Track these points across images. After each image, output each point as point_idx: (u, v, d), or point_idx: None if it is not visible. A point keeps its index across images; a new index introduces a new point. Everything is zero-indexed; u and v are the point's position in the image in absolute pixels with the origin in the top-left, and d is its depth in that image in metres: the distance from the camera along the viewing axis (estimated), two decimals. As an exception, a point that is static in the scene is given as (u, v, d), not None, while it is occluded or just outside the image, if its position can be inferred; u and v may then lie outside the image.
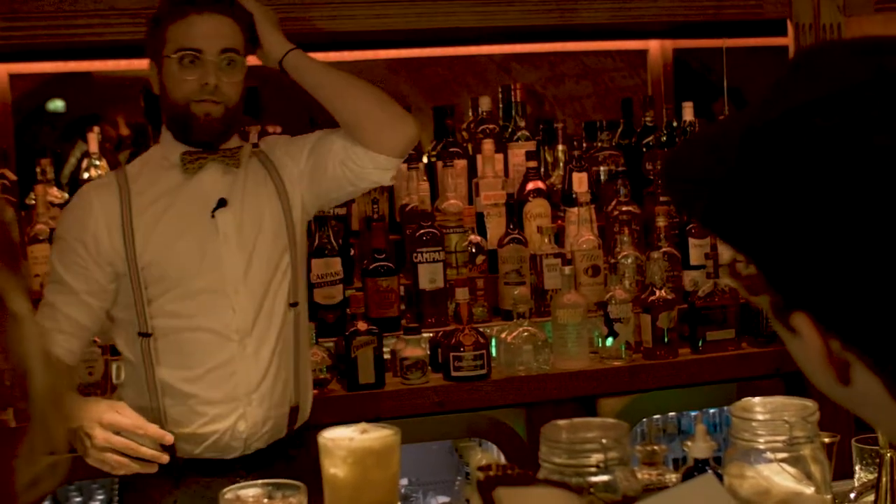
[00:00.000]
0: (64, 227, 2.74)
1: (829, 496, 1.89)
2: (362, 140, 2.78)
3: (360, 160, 2.78)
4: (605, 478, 1.78)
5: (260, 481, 1.83)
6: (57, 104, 9.86)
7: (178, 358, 2.67)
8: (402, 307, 3.64)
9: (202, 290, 2.67)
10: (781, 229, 0.98)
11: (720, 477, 1.91)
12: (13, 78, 4.26)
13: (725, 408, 3.70)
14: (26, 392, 0.89)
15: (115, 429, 2.48)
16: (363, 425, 1.89)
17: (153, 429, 2.52)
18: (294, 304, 2.79)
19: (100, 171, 3.78)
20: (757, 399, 1.98)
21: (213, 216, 2.70)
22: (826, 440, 2.00)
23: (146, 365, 2.67)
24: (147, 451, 2.50)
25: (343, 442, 1.84)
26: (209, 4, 2.67)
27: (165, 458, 2.52)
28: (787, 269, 1.00)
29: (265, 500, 1.77)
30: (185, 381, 2.67)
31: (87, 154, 3.93)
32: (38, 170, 3.74)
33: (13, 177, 3.83)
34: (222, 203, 2.72)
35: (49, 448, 0.93)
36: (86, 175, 3.79)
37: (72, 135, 6.39)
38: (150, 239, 2.67)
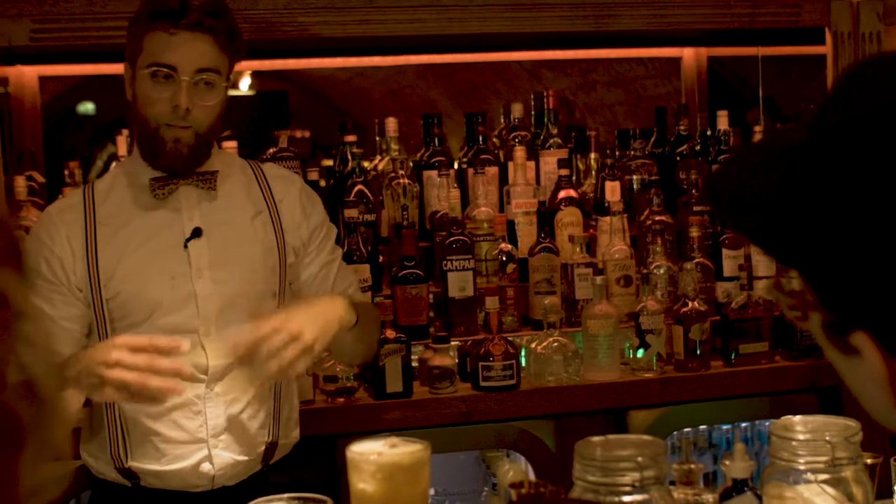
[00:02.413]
0: (30, 254, 2.50)
1: (870, 519, 1.84)
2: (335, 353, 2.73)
3: None
4: (640, 497, 1.74)
5: (286, 495, 1.78)
6: (87, 107, 9.93)
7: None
8: (431, 315, 3.60)
9: (171, 327, 2.46)
10: (840, 245, 0.94)
11: (759, 497, 1.86)
12: (43, 80, 4.25)
13: (758, 422, 3.65)
14: (29, 394, 0.87)
15: (129, 347, 2.22)
16: (392, 439, 1.85)
17: (163, 341, 2.27)
18: None
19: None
20: (797, 418, 1.93)
21: (185, 247, 2.52)
22: (868, 461, 1.94)
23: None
24: (165, 365, 2.23)
25: (371, 456, 1.79)
26: (188, 21, 2.43)
27: (188, 370, 2.30)
28: (846, 287, 0.95)
29: (291, 516, 1.73)
30: (147, 416, 2.50)
31: (115, 157, 3.91)
32: (66, 172, 3.73)
33: (41, 179, 3.83)
34: (196, 233, 2.53)
35: (53, 454, 0.91)
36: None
37: (101, 137, 6.40)
38: (115, 269, 2.49)
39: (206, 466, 2.53)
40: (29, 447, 0.88)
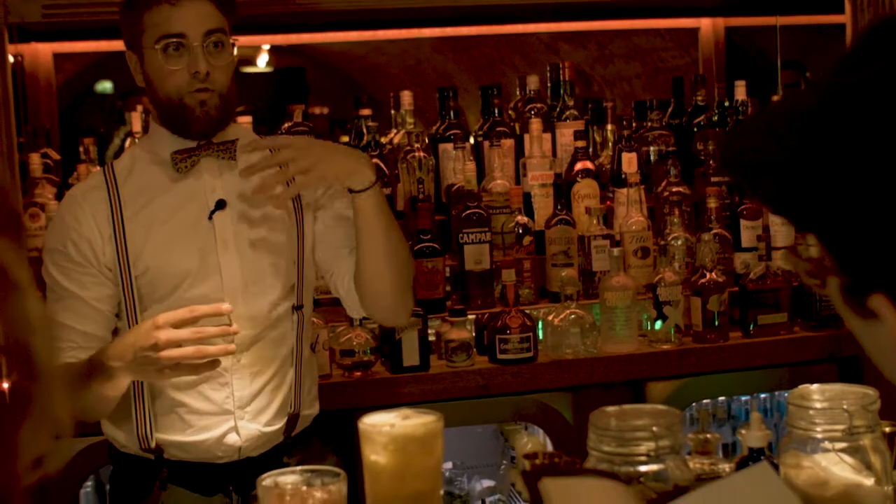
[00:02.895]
0: (56, 236, 2.54)
1: (889, 487, 1.82)
2: (364, 304, 2.62)
3: (347, 298, 2.65)
4: (655, 467, 1.73)
5: (299, 468, 1.77)
6: (105, 85, 9.93)
7: None
8: (448, 288, 3.59)
9: (198, 299, 2.45)
10: (857, 206, 0.92)
11: (776, 467, 1.85)
12: (59, 57, 4.25)
13: (777, 392, 3.63)
14: (27, 369, 0.86)
15: (172, 324, 2.26)
16: (405, 411, 1.84)
17: (205, 308, 2.33)
18: (299, 307, 2.62)
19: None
20: (814, 386, 1.92)
21: (210, 219, 2.53)
22: (887, 429, 1.92)
23: None
24: (213, 330, 2.32)
25: (384, 428, 1.79)
26: None
27: (236, 328, 2.35)
28: (864, 249, 0.94)
29: (304, 488, 1.71)
30: (174, 388, 2.51)
31: (130, 134, 3.91)
32: (81, 149, 3.72)
33: (56, 156, 3.83)
34: (220, 205, 2.53)
35: (53, 426, 0.90)
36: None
37: (119, 115, 6.40)
38: (144, 245, 2.50)
39: (232, 437, 2.54)
40: (28, 421, 0.87)
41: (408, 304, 2.69)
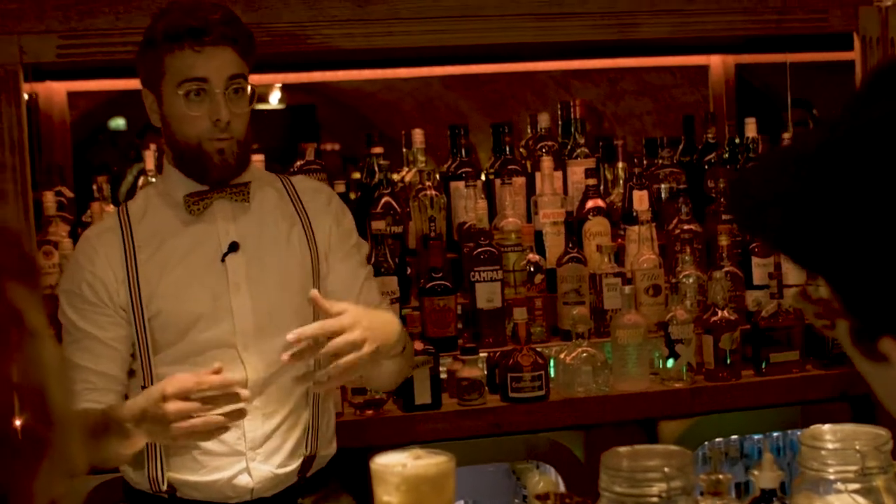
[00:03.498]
0: (71, 278, 2.53)
1: (902, 529, 1.82)
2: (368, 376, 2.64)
3: None
4: (667, 508, 1.72)
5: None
6: (118, 122, 9.98)
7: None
8: (460, 326, 3.59)
9: (210, 343, 2.47)
10: (865, 248, 0.92)
11: (788, 508, 1.84)
12: (72, 96, 4.28)
13: (789, 431, 3.62)
14: (43, 413, 0.86)
15: (180, 396, 2.27)
16: (416, 451, 1.84)
17: (213, 380, 2.30)
18: None
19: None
20: (826, 426, 1.91)
21: (223, 261, 2.52)
22: (900, 470, 1.92)
23: None
24: (220, 413, 2.30)
25: (396, 468, 1.79)
26: (212, 37, 2.43)
27: (246, 394, 2.33)
28: (872, 292, 0.93)
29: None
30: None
31: (143, 172, 3.92)
32: (94, 187, 3.74)
33: (70, 194, 3.85)
34: (233, 247, 2.53)
35: (68, 469, 0.90)
36: (142, 193, 3.76)
37: (132, 153, 6.44)
38: (156, 288, 2.49)
39: (244, 479, 2.52)
40: (44, 464, 0.88)
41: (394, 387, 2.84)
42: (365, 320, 2.37)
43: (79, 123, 8.59)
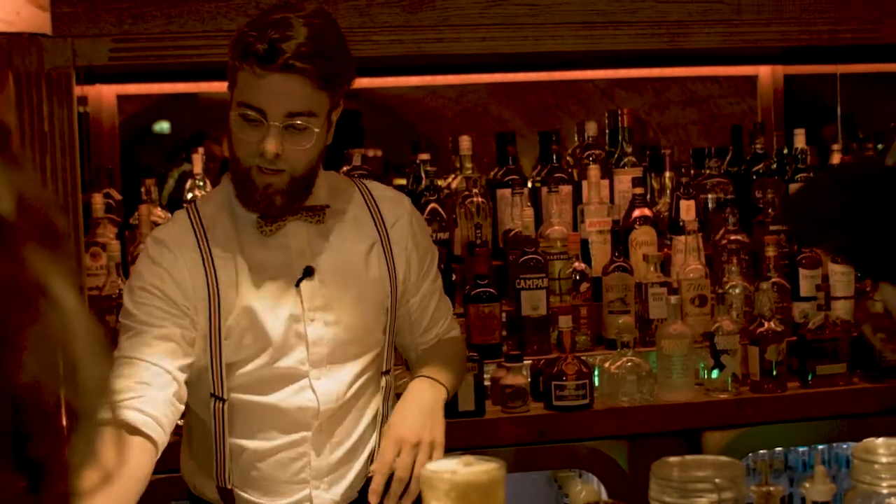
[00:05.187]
0: (140, 276, 2.37)
1: (955, 544, 1.80)
2: None
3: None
4: (718, 519, 1.71)
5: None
6: (163, 125, 10.03)
7: (249, 429, 2.44)
8: (504, 334, 3.59)
9: (281, 371, 2.40)
10: None
11: (840, 521, 1.83)
12: (121, 99, 4.31)
13: (835, 444, 3.59)
14: (73, 384, 0.83)
15: None
16: (467, 457, 1.83)
17: None
18: (386, 372, 2.55)
19: (204, 192, 3.76)
20: (880, 440, 1.90)
21: (297, 286, 2.40)
22: (953, 485, 1.90)
23: (217, 427, 2.41)
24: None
25: (445, 475, 1.78)
26: (276, 65, 2.22)
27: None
28: None
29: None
30: (252, 454, 2.45)
31: (188, 174, 3.94)
32: (142, 189, 3.76)
33: (118, 196, 3.88)
34: (308, 272, 2.40)
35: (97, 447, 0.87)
36: (189, 196, 3.78)
37: (175, 156, 6.48)
38: (233, 305, 2.37)
39: (305, 501, 2.48)
40: (76, 437, 0.85)
41: None
42: (418, 421, 2.39)
43: (125, 126, 8.65)
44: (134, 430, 2.18)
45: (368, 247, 2.49)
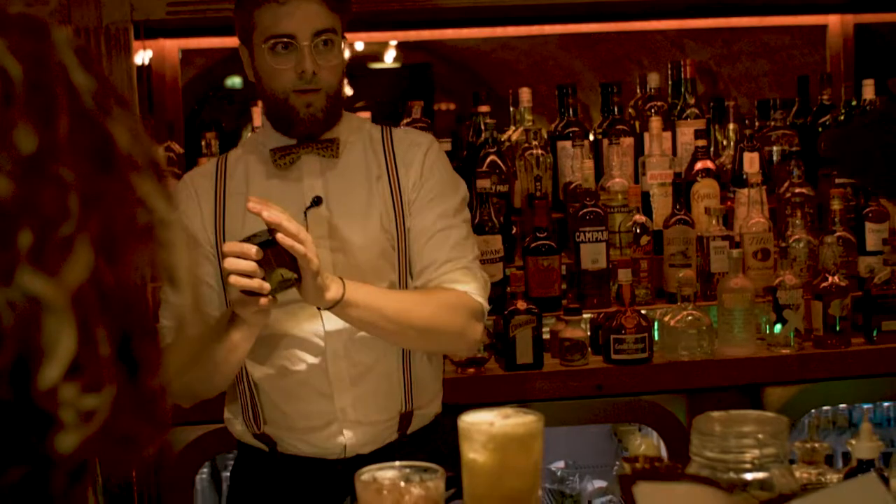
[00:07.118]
0: None
1: None
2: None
3: None
4: (760, 475, 1.69)
5: (398, 463, 1.78)
6: (234, 80, 10.10)
7: (263, 359, 2.51)
8: (564, 287, 3.57)
9: (287, 295, 2.38)
10: None
11: (885, 480, 1.79)
12: (187, 53, 4.34)
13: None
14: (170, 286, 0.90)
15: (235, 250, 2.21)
16: (506, 410, 1.83)
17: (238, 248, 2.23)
18: None
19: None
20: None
21: (304, 215, 2.48)
22: None
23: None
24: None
25: (483, 426, 1.78)
26: None
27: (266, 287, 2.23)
28: None
29: (402, 483, 1.72)
30: (276, 389, 2.51)
31: (254, 128, 3.96)
32: (203, 143, 3.78)
33: (179, 149, 3.90)
34: (316, 202, 2.50)
35: (190, 360, 0.93)
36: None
37: (247, 110, 6.51)
38: (239, 235, 2.36)
39: (337, 436, 2.52)
40: (169, 350, 0.91)
41: (461, 343, 2.61)
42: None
43: (195, 81, 8.71)
44: None
45: (375, 179, 2.55)
